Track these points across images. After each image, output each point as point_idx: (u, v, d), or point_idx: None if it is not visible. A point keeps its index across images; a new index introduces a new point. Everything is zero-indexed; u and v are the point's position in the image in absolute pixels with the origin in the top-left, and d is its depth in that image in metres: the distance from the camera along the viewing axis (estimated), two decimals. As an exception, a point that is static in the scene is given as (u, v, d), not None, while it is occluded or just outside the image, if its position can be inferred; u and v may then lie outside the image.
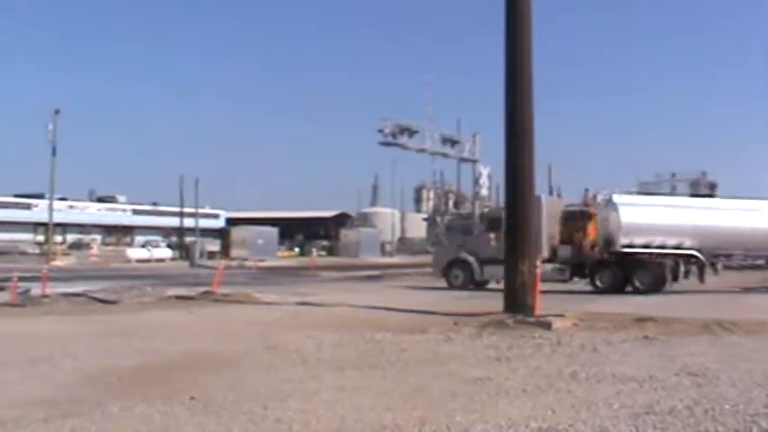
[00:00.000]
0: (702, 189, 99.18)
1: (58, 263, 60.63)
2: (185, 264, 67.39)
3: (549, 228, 33.55)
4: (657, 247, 32.14)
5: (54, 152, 65.53)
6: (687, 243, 32.05)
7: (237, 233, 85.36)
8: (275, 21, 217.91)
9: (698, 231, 32.10)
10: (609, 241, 32.70)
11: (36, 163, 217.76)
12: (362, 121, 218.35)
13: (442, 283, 34.81)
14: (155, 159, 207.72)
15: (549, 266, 32.25)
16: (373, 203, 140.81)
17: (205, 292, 26.51)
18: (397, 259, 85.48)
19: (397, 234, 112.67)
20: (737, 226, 32.28)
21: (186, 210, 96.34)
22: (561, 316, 18.29)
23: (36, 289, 25.89)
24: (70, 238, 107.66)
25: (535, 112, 20.62)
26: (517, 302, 19.43)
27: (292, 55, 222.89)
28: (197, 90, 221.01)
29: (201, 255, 71.76)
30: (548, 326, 17.11)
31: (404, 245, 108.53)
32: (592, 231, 33.80)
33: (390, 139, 56.76)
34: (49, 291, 25.42)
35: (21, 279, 26.67)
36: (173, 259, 76.81)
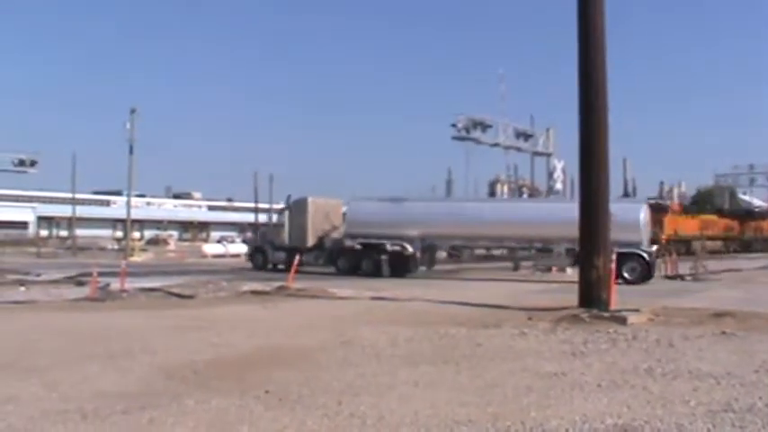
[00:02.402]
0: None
1: (136, 258, 61.50)
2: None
3: (317, 223, 42.19)
4: (377, 238, 39.30)
5: (131, 150, 66.45)
6: (409, 235, 38.81)
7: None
8: (344, 15, 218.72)
9: (419, 226, 38.84)
10: (346, 233, 40.87)
11: (114, 160, 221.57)
12: (435, 115, 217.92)
13: (516, 276, 35.80)
14: (230, 156, 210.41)
15: (313, 254, 41.28)
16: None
17: (280, 287, 26.69)
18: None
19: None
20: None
21: (261, 205, 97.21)
22: (637, 311, 18.11)
23: (115, 284, 26.32)
24: (148, 233, 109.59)
25: (610, 108, 20.44)
26: (592, 297, 19.25)
27: (363, 49, 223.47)
28: (271, 88, 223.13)
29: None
30: (623, 321, 16.95)
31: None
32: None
33: (464, 133, 56.69)
34: (127, 286, 25.85)
35: (100, 274, 27.13)
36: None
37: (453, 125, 57.43)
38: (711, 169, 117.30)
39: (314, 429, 8.16)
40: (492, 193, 74.65)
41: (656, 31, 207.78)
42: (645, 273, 34.09)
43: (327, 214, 42.38)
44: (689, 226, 69.55)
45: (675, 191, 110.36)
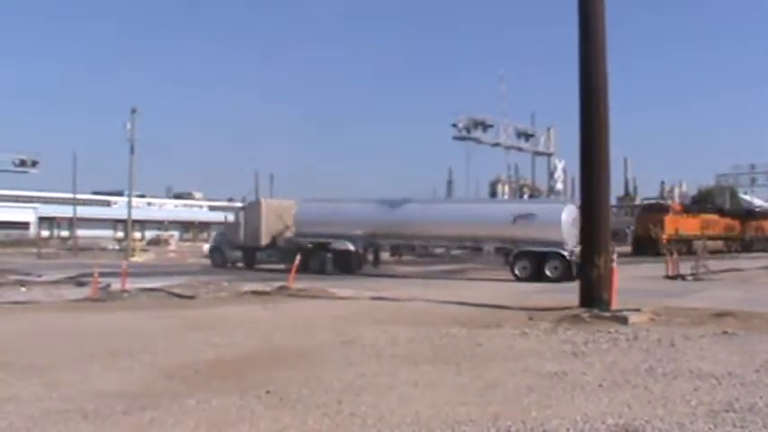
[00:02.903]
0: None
1: (137, 258, 61.42)
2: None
3: (270, 223, 44.42)
4: (323, 237, 41.44)
5: (132, 150, 66.41)
6: (352, 235, 41.02)
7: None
8: (344, 15, 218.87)
9: (361, 226, 40.94)
10: (296, 233, 42.99)
11: (115, 160, 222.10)
12: (436, 115, 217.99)
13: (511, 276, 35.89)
14: (230, 156, 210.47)
15: (267, 252, 44.40)
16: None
17: (281, 288, 26.67)
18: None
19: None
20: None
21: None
22: (638, 310, 18.10)
23: (116, 284, 26.30)
24: (149, 234, 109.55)
25: (611, 108, 20.43)
26: (593, 297, 19.23)
27: (363, 49, 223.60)
28: (271, 88, 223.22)
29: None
30: (624, 320, 16.94)
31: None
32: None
33: (464, 133, 56.66)
34: (128, 286, 25.83)
35: (101, 275, 27.12)
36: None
37: (454, 125, 57.36)
38: (712, 169, 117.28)
39: (315, 429, 8.17)
40: (493, 193, 74.75)
41: (656, 31, 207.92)
42: (566, 271, 34.85)
43: (281, 215, 44.70)
44: (690, 226, 69.48)
45: (676, 190, 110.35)
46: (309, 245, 41.76)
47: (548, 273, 35.40)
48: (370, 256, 44.08)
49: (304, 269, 38.80)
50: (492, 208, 43.89)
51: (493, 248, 38.25)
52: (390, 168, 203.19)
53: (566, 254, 35.30)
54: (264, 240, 44.62)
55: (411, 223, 40.05)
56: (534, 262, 36.15)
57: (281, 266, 40.51)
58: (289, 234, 43.81)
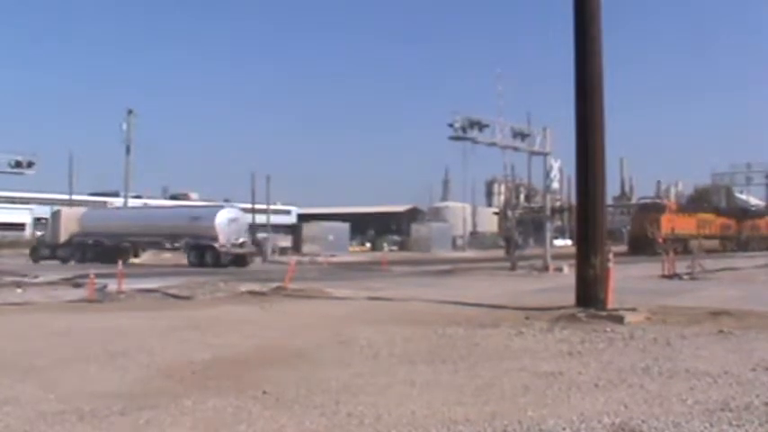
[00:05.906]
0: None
1: (134, 259, 61.46)
2: (257, 259, 67.83)
3: (69, 226, 58.13)
4: (95, 236, 56.09)
5: (128, 151, 66.45)
6: (108, 233, 56.01)
7: (309, 229, 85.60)
8: (340, 16, 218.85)
9: (112, 227, 57.06)
10: (83, 233, 57.16)
11: (111, 161, 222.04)
12: (434, 115, 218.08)
13: (513, 276, 36.33)
14: (226, 156, 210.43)
15: (64, 248, 57.44)
16: (444, 198, 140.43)
17: (277, 288, 26.67)
18: (468, 254, 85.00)
19: (469, 228, 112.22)
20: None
21: (258, 206, 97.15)
22: (634, 310, 18.10)
23: (112, 285, 26.32)
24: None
25: (608, 108, 20.42)
26: (589, 296, 19.23)
27: (360, 50, 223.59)
28: (268, 89, 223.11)
29: (273, 251, 72.06)
30: (620, 320, 16.94)
31: (475, 239, 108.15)
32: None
33: (461, 133, 56.50)
34: (125, 287, 25.85)
35: (98, 275, 27.12)
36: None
37: (450, 125, 57.31)
38: (709, 168, 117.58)
39: (312, 429, 8.17)
40: (489, 193, 74.70)
41: (653, 31, 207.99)
42: (217, 260, 49.21)
43: (78, 220, 58.57)
44: (686, 225, 69.70)
45: (673, 190, 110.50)
46: (90, 242, 56.19)
47: (207, 260, 49.46)
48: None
49: (83, 260, 52.67)
50: (177, 211, 59.96)
51: (185, 242, 51.87)
52: (389, 168, 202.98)
53: (217, 246, 49.72)
54: (63, 239, 58.06)
55: (135, 224, 55.66)
56: (200, 252, 50.42)
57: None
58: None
